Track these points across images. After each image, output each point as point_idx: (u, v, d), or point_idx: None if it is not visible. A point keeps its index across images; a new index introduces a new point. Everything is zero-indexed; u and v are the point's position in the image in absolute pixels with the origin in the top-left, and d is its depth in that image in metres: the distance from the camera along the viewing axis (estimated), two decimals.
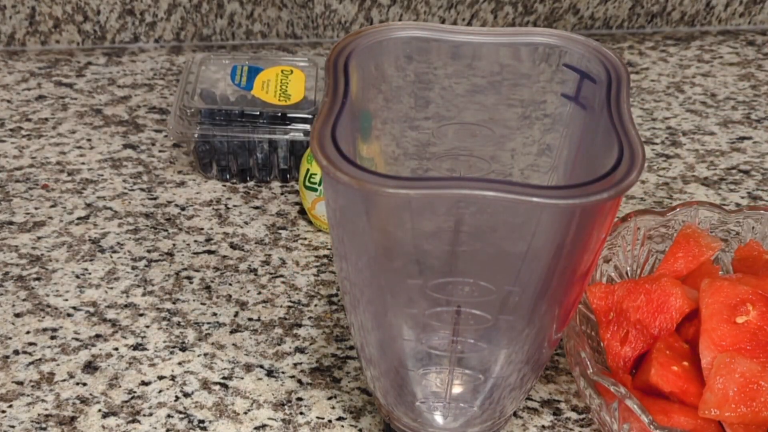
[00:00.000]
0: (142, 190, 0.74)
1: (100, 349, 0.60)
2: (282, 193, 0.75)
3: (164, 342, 0.60)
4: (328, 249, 0.69)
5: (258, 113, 0.73)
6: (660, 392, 0.52)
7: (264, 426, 0.55)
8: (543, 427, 0.56)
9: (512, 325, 0.46)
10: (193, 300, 0.64)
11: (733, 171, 0.79)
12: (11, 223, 0.70)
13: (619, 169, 0.41)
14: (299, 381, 0.58)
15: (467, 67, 0.52)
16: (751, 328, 0.53)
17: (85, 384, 0.57)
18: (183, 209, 0.72)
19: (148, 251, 0.68)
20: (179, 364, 0.59)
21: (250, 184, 0.76)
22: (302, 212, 0.72)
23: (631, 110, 0.45)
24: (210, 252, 0.68)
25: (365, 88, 0.50)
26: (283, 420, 0.55)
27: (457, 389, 0.49)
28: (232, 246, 0.69)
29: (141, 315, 0.62)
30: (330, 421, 0.55)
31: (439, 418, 0.51)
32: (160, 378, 0.58)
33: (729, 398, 0.50)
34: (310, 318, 0.63)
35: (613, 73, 0.47)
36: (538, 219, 0.42)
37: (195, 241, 0.69)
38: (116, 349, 0.60)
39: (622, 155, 0.42)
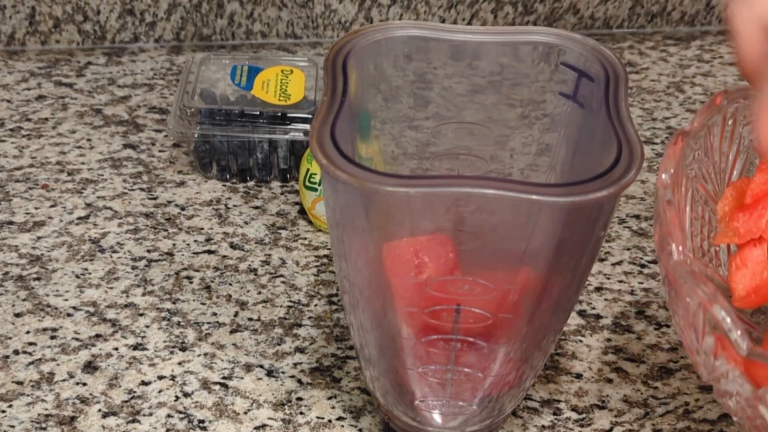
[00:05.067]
0: (142, 190, 0.74)
1: (100, 349, 0.60)
2: (282, 193, 0.75)
3: (164, 342, 0.60)
4: (328, 249, 0.69)
5: (258, 113, 0.73)
6: None
7: (264, 426, 0.55)
8: (543, 427, 0.56)
9: (511, 323, 0.46)
10: (193, 300, 0.64)
11: None
12: (11, 223, 0.70)
13: (618, 167, 0.41)
14: (299, 381, 0.58)
15: (466, 66, 0.52)
16: None
17: (85, 384, 0.57)
18: (183, 209, 0.72)
19: (148, 251, 0.68)
20: (179, 364, 0.59)
21: (250, 184, 0.76)
22: (302, 212, 0.72)
23: (629, 108, 0.45)
24: (210, 252, 0.68)
25: (364, 87, 0.50)
26: (283, 420, 0.55)
27: (456, 388, 0.49)
28: (232, 246, 0.69)
29: (141, 315, 0.62)
30: (330, 421, 0.55)
31: (438, 417, 0.51)
32: (160, 378, 0.58)
33: None
34: (310, 318, 0.63)
35: (611, 71, 0.47)
36: (537, 217, 0.42)
37: (195, 241, 0.69)
38: (116, 349, 0.60)
39: (620, 153, 0.42)
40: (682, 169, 0.48)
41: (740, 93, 0.53)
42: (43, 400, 0.56)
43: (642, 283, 0.67)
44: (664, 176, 0.46)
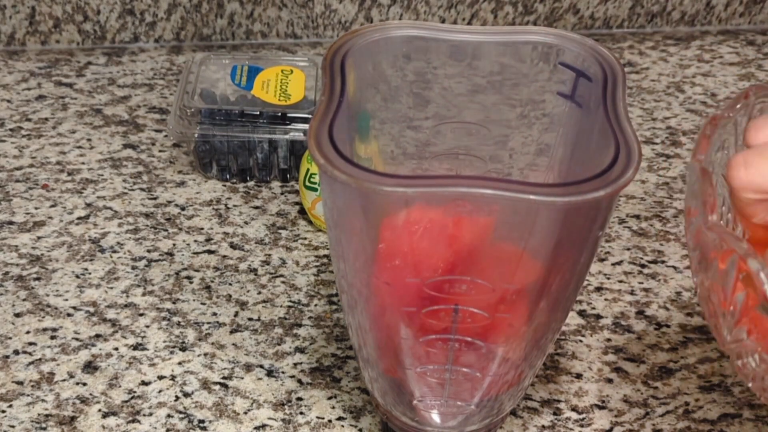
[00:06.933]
0: (142, 190, 0.74)
1: (100, 349, 0.60)
2: (282, 193, 0.75)
3: (164, 342, 0.60)
4: (328, 249, 0.69)
5: (258, 113, 0.73)
6: None
7: (264, 426, 0.55)
8: (543, 426, 0.56)
9: (510, 323, 0.46)
10: (193, 300, 0.64)
11: None
12: (11, 223, 0.70)
13: (616, 167, 0.41)
14: (299, 381, 0.58)
15: (466, 66, 0.52)
16: None
17: (85, 384, 0.57)
18: (183, 209, 0.72)
19: (148, 251, 0.68)
20: (179, 364, 0.59)
21: (250, 184, 0.76)
22: (302, 212, 0.72)
23: (627, 108, 0.45)
24: (210, 252, 0.68)
25: (363, 87, 0.50)
26: (283, 420, 0.55)
27: (454, 387, 0.49)
28: (232, 246, 0.69)
29: (141, 315, 0.62)
30: (330, 421, 0.55)
31: (436, 417, 0.51)
32: (160, 378, 0.58)
33: None
34: (310, 318, 0.63)
35: (609, 71, 0.47)
36: (535, 216, 0.42)
37: (195, 241, 0.69)
38: (116, 349, 0.60)
39: (618, 153, 0.42)
40: (711, 155, 0.48)
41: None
42: (43, 400, 0.56)
43: (642, 283, 0.67)
44: (699, 156, 0.46)
